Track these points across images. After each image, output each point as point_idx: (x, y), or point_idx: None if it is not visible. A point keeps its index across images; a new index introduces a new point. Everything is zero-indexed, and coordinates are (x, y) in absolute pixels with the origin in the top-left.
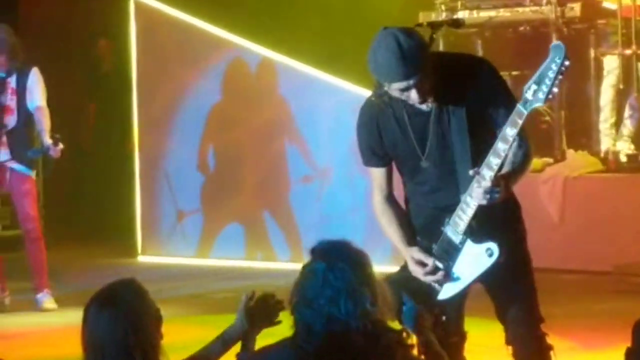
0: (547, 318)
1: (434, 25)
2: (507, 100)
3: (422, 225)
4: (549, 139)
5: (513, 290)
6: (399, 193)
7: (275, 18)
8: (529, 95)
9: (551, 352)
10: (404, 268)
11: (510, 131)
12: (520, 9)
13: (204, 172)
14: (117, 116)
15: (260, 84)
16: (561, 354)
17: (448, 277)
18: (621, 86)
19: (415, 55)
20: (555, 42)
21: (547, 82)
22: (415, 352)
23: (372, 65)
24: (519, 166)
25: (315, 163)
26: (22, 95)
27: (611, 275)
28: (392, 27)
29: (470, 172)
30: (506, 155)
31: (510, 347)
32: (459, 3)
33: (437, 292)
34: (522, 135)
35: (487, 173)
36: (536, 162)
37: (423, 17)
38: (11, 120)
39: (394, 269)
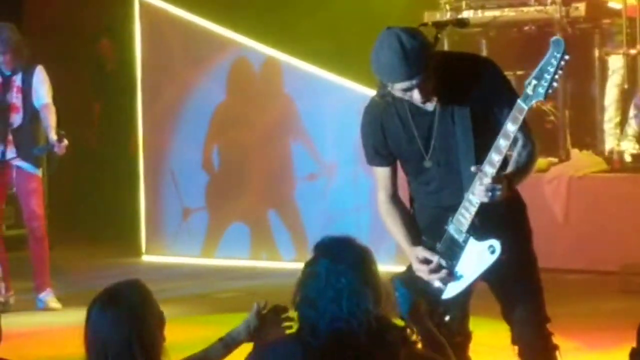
0: (553, 318)
1: (439, 25)
2: (511, 99)
3: (426, 225)
4: (553, 139)
5: (519, 289)
6: (404, 192)
7: (279, 17)
8: (529, 90)
9: (557, 352)
10: (409, 268)
11: (511, 127)
12: (525, 9)
13: (209, 172)
14: (121, 115)
15: (265, 83)
16: (566, 354)
17: (452, 275)
18: (626, 86)
19: (418, 55)
20: (554, 37)
21: (547, 76)
22: (419, 347)
23: (374, 65)
24: (523, 166)
25: (321, 160)
26: (27, 93)
27: (617, 275)
28: (396, 27)
29: (472, 169)
30: (508, 153)
31: (516, 347)
32: (464, 3)
33: (441, 292)
34: (527, 134)
35: (489, 170)
36: (541, 161)
37: (428, 17)
38: (17, 118)
39: (398, 268)
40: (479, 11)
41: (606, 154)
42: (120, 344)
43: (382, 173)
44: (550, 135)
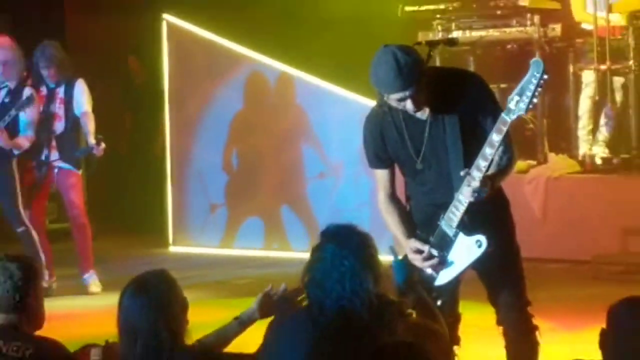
0: (533, 302)
1: (431, 44)
2: (495, 110)
3: (421, 220)
4: (532, 144)
5: (504, 277)
6: (402, 191)
7: (292, 38)
8: (512, 105)
9: (537, 332)
10: (405, 258)
11: (496, 137)
12: (508, 29)
13: (228, 172)
14: (150, 123)
15: (280, 96)
16: (545, 334)
17: (443, 265)
18: (597, 97)
19: (411, 70)
20: (535, 58)
21: (528, 93)
22: (414, 317)
23: (373, 78)
24: (504, 168)
25: (329, 161)
26: (69, 104)
27: (589, 264)
28: (392, 44)
29: (462, 173)
30: (493, 158)
31: (500, 327)
32: (454, 24)
33: (434, 279)
34: (507, 141)
35: (477, 174)
36: (521, 164)
37: (422, 36)
38: (59, 126)
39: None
40: (467, 31)
41: (579, 157)
42: (149, 327)
43: (381, 175)
44: (530, 141)
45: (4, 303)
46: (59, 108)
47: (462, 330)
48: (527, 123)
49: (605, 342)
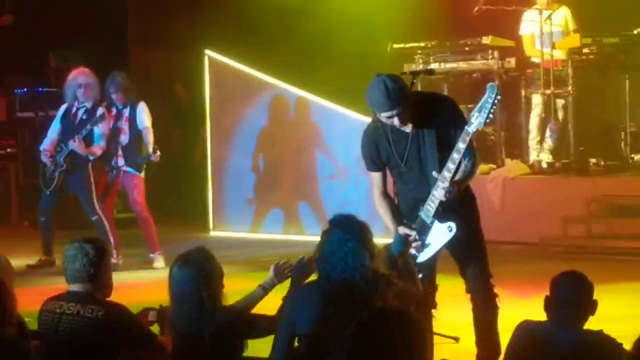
0: (494, 275)
1: (414, 73)
2: (464, 125)
3: (406, 212)
4: (493, 152)
5: (471, 255)
6: (392, 188)
7: (307, 68)
8: (473, 120)
9: (497, 299)
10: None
11: (461, 145)
12: (474, 62)
13: (256, 173)
14: (194, 137)
15: (297, 114)
16: (503, 300)
17: (423, 246)
18: (543, 115)
19: (397, 94)
20: (490, 83)
21: (485, 111)
22: (400, 284)
23: (368, 100)
24: (468, 173)
25: (337, 165)
26: (132, 121)
27: (536, 246)
28: (383, 73)
29: (434, 175)
30: (460, 162)
31: (468, 295)
32: (432, 58)
33: (416, 257)
34: (471, 150)
35: (447, 175)
36: (484, 167)
37: (406, 67)
38: (124, 138)
39: (386, 240)
40: (442, 64)
41: (530, 162)
42: (193, 292)
43: (375, 176)
44: (491, 149)
45: (81, 275)
46: (124, 124)
47: (439, 297)
48: (489, 135)
49: (548, 306)
